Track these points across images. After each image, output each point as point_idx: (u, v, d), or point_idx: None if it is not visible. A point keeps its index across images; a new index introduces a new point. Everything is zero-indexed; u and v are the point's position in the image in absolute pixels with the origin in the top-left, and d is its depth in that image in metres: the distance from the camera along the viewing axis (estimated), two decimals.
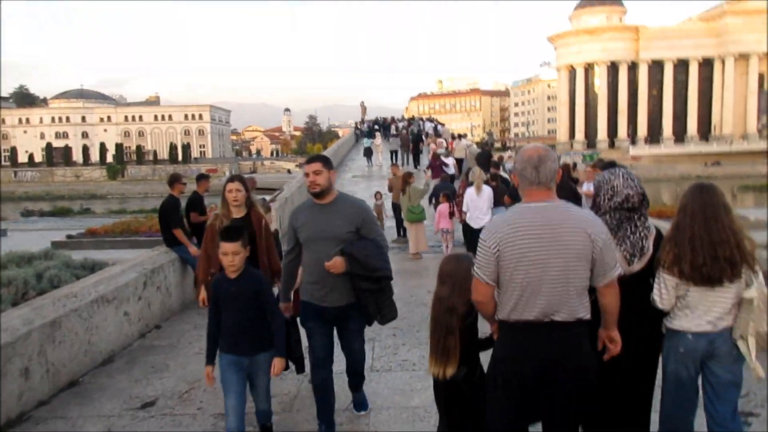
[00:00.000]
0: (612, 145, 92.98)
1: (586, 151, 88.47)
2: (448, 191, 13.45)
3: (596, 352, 2.77)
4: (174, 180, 7.94)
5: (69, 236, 16.19)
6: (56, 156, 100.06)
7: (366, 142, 30.45)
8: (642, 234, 3.04)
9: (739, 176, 59.93)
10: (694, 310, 2.94)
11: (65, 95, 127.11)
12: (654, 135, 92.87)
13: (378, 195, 14.14)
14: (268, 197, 11.61)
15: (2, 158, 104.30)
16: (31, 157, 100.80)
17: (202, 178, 8.57)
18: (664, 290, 2.94)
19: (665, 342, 3.08)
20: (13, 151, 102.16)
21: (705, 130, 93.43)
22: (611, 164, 9.39)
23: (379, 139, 29.96)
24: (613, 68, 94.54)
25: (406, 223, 11.65)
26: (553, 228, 2.52)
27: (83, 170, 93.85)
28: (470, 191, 10.07)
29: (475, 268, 2.65)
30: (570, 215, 2.58)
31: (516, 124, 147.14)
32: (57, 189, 78.98)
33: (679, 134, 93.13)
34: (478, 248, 2.63)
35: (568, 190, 8.84)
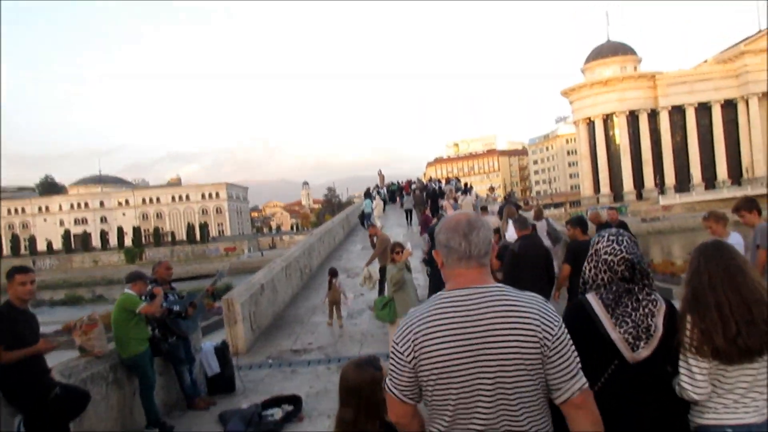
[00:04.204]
0: (640, 196, 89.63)
1: (613, 204, 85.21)
2: None
3: None
4: (12, 273, 4.62)
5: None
6: (75, 242, 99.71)
7: (366, 205, 27.77)
8: (647, 310, 2.37)
9: None
10: (732, 396, 2.29)
11: (84, 182, 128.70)
12: (683, 183, 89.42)
13: (331, 272, 10.99)
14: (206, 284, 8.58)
15: (21, 248, 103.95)
16: (49, 244, 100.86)
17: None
18: (700, 377, 2.26)
19: None
20: (32, 239, 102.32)
21: (736, 174, 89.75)
22: (580, 220, 7.47)
23: (377, 202, 27.18)
24: (632, 118, 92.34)
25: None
26: (486, 326, 1.86)
27: (101, 255, 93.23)
28: None
29: (387, 381, 2.01)
30: (508, 304, 1.89)
31: (537, 182, 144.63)
32: (74, 276, 78.50)
33: (709, 180, 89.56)
34: (390, 354, 1.99)
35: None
